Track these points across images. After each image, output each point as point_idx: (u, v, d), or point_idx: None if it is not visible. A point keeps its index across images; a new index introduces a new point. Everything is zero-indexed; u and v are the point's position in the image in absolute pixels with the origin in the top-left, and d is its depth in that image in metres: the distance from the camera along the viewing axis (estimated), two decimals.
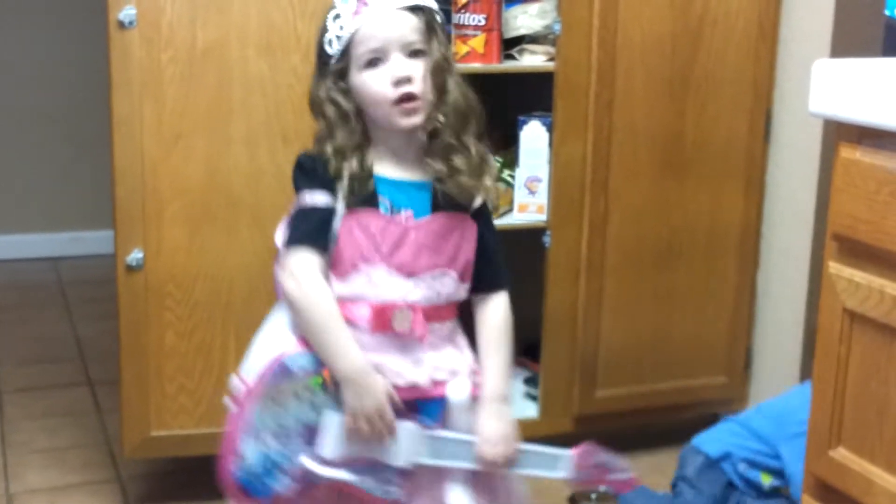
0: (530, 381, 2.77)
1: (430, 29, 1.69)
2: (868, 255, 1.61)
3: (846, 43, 2.48)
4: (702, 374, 2.78)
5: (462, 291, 1.76)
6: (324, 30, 1.71)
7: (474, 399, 1.75)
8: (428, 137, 1.73)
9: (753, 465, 2.35)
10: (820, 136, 2.55)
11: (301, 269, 1.66)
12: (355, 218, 1.68)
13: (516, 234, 2.56)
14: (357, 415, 1.65)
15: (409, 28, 1.67)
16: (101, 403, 3.07)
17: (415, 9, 1.69)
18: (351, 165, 1.68)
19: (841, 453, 1.69)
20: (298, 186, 1.73)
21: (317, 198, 1.69)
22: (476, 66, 2.48)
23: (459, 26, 2.50)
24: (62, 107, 4.31)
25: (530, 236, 2.58)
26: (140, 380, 2.38)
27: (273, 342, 1.72)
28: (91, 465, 2.72)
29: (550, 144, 2.55)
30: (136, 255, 2.32)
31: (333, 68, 1.70)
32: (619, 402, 2.71)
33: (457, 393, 1.73)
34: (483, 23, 2.48)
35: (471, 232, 1.76)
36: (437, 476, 1.73)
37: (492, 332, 1.80)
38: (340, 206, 1.68)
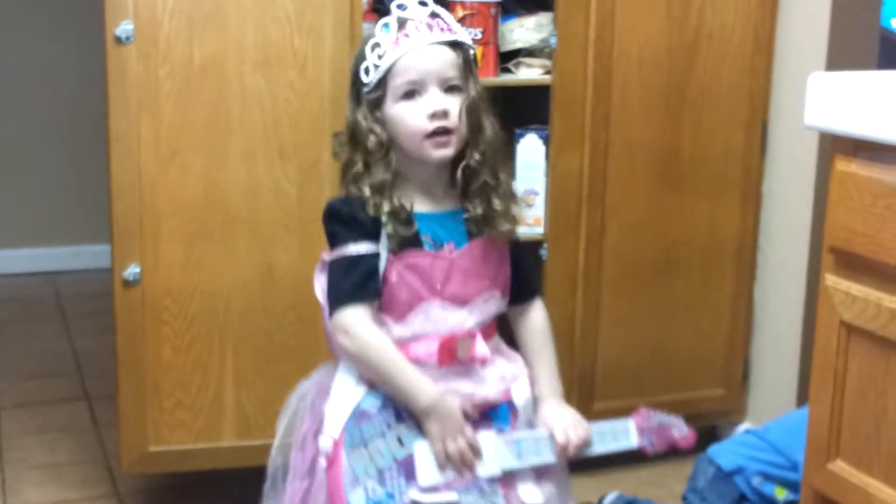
0: None
1: (467, 66, 1.71)
2: (864, 267, 1.62)
3: (842, 56, 2.49)
4: (700, 386, 2.78)
5: (504, 306, 1.80)
6: (361, 57, 1.71)
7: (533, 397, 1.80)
8: (463, 177, 1.73)
9: (769, 478, 2.34)
10: (816, 148, 2.55)
11: (353, 323, 1.67)
12: (403, 261, 1.69)
13: None
14: (444, 441, 1.67)
15: (448, 63, 1.68)
16: (99, 418, 3.07)
17: (454, 44, 1.70)
18: (392, 203, 1.68)
19: (839, 466, 1.69)
20: (336, 236, 1.71)
21: (361, 247, 1.68)
22: None
23: None
24: (61, 122, 4.32)
25: (527, 249, 2.57)
26: (137, 395, 2.38)
27: (345, 396, 1.73)
28: (89, 480, 2.71)
29: (547, 157, 2.55)
30: (133, 270, 2.32)
31: (369, 97, 1.70)
32: (617, 415, 2.67)
33: (520, 395, 1.78)
34: (479, 36, 2.49)
35: (506, 250, 1.79)
36: (509, 477, 1.75)
37: (536, 336, 1.86)
38: (384, 249, 1.68)
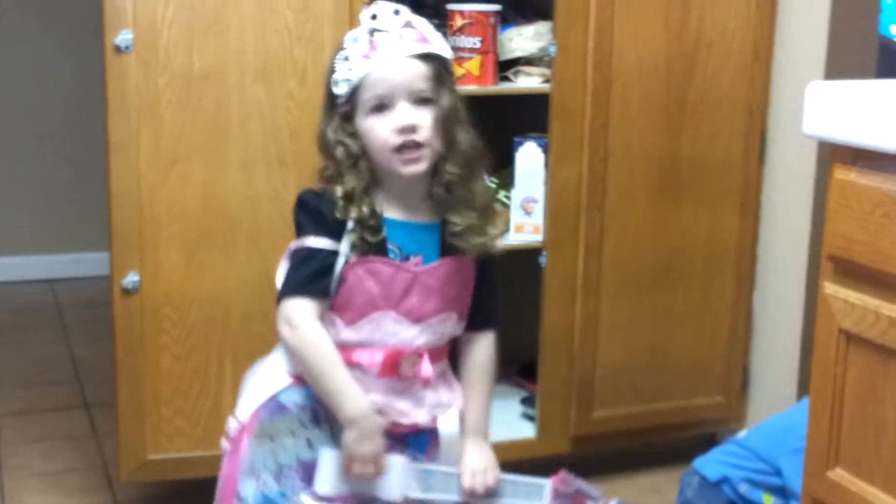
0: (527, 402, 2.77)
1: (439, 77, 1.68)
2: (863, 275, 1.62)
3: (840, 64, 2.50)
4: (699, 393, 2.78)
5: (459, 329, 1.78)
6: (331, 69, 1.69)
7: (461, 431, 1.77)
8: (441, 189, 1.71)
9: (755, 484, 2.35)
10: (815, 156, 2.56)
11: (296, 315, 1.66)
12: (365, 266, 1.67)
13: (512, 254, 2.56)
14: (355, 457, 1.65)
15: (418, 76, 1.66)
16: (98, 426, 3.07)
17: (425, 56, 1.67)
18: (360, 211, 1.66)
19: (839, 474, 1.69)
20: (301, 227, 1.71)
21: (320, 241, 1.67)
22: (472, 88, 2.49)
23: (455, 49, 2.50)
24: (59, 128, 4.32)
25: (526, 257, 2.58)
26: (136, 403, 2.38)
27: (267, 382, 1.72)
28: (88, 488, 2.71)
29: (546, 165, 2.56)
30: (132, 279, 2.32)
31: (340, 110, 1.68)
32: (616, 423, 2.70)
33: (447, 426, 1.75)
34: (478, 45, 2.49)
35: (472, 273, 1.77)
36: None
37: (477, 370, 1.82)
38: (345, 249, 1.67)
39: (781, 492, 2.31)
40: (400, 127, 1.65)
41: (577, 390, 2.65)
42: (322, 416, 1.69)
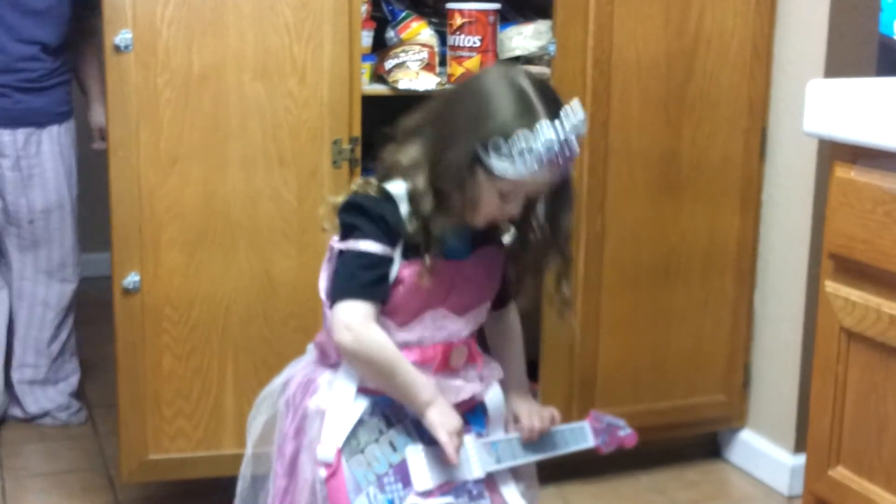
0: None
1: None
2: (864, 274, 1.62)
3: (840, 62, 2.49)
4: (700, 392, 2.78)
5: (488, 311, 1.82)
6: (507, 143, 1.57)
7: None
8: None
9: None
10: (815, 154, 2.56)
11: (359, 320, 1.65)
12: (417, 267, 1.66)
13: None
14: (450, 431, 1.68)
15: (544, 186, 1.65)
16: (100, 426, 3.07)
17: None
18: (435, 227, 1.65)
19: (840, 472, 1.69)
20: (358, 229, 1.67)
21: (379, 248, 1.66)
22: None
23: (454, 48, 2.51)
24: None
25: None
26: (137, 403, 2.38)
27: (348, 406, 1.73)
28: (89, 488, 2.71)
29: None
30: (132, 279, 2.32)
31: (489, 174, 1.60)
32: None
33: (493, 398, 1.82)
34: (478, 44, 2.49)
35: (501, 261, 1.79)
36: (490, 479, 1.78)
37: (508, 336, 1.88)
38: (398, 256, 1.67)
39: None
40: (506, 216, 1.68)
41: (578, 389, 2.65)
42: (392, 417, 1.73)
